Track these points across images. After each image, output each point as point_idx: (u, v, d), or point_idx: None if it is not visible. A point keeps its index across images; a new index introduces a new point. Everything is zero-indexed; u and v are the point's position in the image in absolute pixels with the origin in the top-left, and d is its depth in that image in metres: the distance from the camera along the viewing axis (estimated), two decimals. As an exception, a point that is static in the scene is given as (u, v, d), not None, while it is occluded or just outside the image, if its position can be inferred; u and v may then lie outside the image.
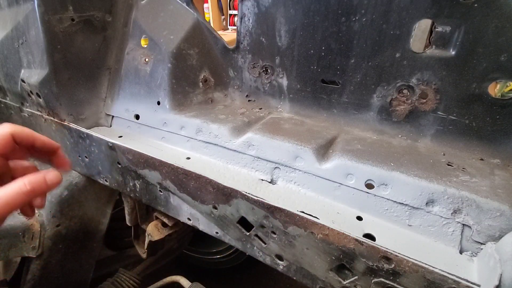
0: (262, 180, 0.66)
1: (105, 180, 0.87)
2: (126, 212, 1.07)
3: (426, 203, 0.50)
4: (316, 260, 0.52)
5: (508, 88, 1.69)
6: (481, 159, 0.57)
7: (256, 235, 0.60)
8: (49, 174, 0.53)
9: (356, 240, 0.45)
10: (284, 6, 0.67)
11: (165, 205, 0.79)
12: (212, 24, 1.73)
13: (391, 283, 0.45)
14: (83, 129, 0.81)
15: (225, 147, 0.70)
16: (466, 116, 0.57)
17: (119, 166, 0.79)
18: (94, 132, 0.79)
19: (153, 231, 1.00)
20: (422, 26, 0.61)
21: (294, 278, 0.59)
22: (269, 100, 0.81)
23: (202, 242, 1.89)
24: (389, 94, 0.63)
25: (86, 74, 0.86)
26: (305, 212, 0.52)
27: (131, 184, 0.82)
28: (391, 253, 0.42)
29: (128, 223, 1.09)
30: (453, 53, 0.55)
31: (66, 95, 0.84)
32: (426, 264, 0.40)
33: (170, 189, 0.71)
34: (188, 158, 0.74)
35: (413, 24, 0.56)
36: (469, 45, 0.53)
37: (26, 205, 0.58)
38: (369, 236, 0.51)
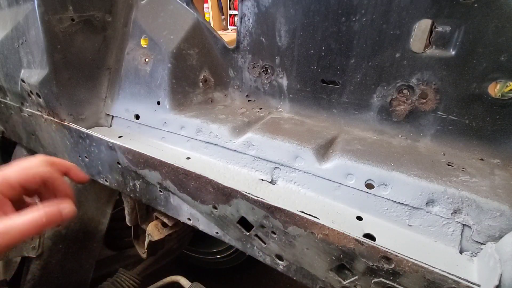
0: (262, 180, 0.66)
1: (105, 180, 0.87)
2: (126, 212, 1.07)
3: (426, 203, 0.50)
4: (316, 260, 0.52)
5: (508, 88, 1.69)
6: (481, 159, 0.57)
7: (256, 235, 0.60)
8: (65, 208, 0.54)
9: (356, 240, 0.45)
10: (284, 6, 0.67)
11: (165, 205, 0.79)
12: (212, 24, 1.73)
13: (391, 283, 0.45)
14: (83, 129, 0.81)
15: (225, 147, 0.70)
16: (466, 116, 0.57)
17: (119, 166, 0.79)
18: (94, 132, 0.79)
19: (153, 231, 1.00)
20: (422, 26, 0.61)
21: (294, 278, 0.59)
22: (269, 100, 0.80)
23: (202, 242, 1.89)
24: (389, 94, 0.63)
25: (86, 74, 0.86)
26: (305, 212, 0.52)
27: (131, 184, 0.82)
28: (391, 253, 0.42)
29: (128, 223, 1.09)
30: (453, 53, 0.55)
31: (66, 95, 0.84)
32: (426, 264, 0.40)
33: (170, 189, 0.71)
34: (188, 158, 0.74)
35: (413, 24, 0.56)
36: (469, 45, 0.53)
37: None
38: (369, 236, 0.51)
